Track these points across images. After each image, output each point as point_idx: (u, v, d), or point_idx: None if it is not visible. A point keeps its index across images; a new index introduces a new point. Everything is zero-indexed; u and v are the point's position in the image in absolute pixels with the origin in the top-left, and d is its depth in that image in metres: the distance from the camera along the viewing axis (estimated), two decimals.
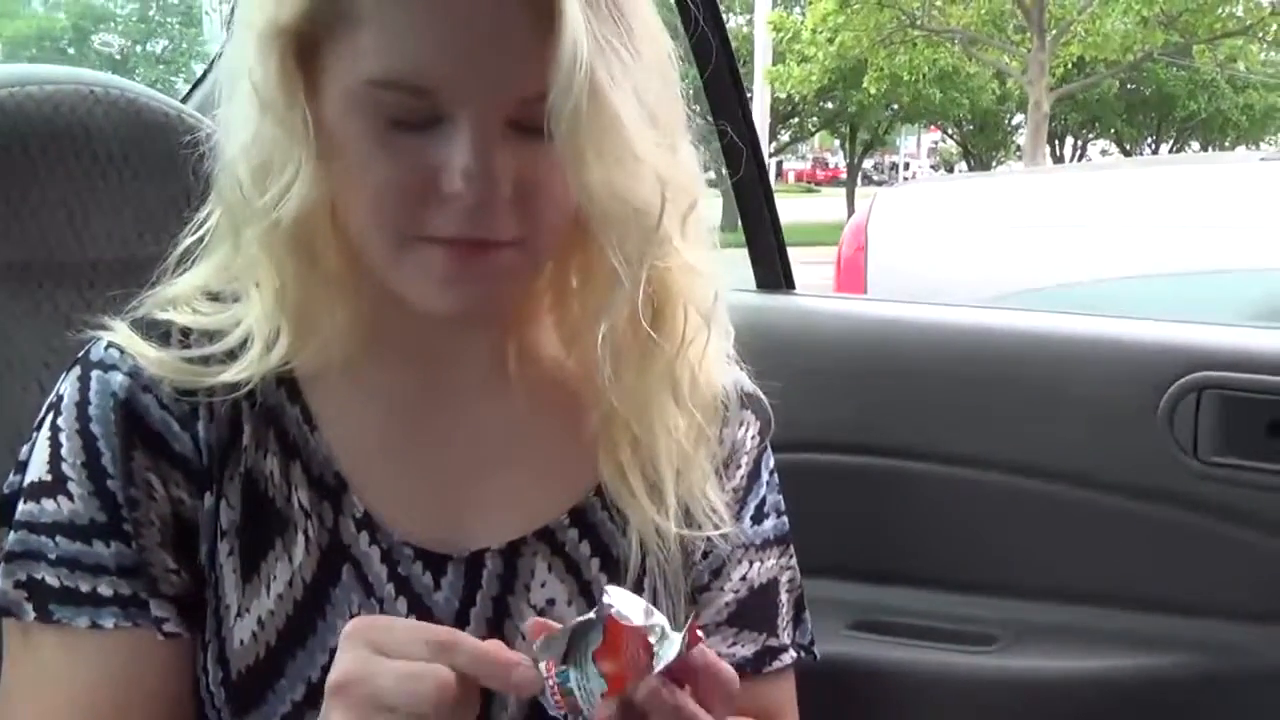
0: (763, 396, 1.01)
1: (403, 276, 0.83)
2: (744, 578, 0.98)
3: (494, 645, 0.72)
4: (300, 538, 0.86)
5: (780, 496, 1.02)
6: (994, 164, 23.82)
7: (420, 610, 0.88)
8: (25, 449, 0.87)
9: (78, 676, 0.83)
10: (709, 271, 0.89)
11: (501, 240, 0.81)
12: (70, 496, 0.84)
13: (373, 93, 0.78)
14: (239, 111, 0.82)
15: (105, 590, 0.83)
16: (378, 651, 0.70)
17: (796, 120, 23.60)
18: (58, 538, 0.83)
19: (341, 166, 0.81)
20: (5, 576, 0.84)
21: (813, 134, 26.62)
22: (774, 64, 17.15)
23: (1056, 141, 23.58)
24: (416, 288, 0.83)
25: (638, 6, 0.81)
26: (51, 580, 0.83)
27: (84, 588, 0.83)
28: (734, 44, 1.78)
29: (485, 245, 0.81)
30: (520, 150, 0.79)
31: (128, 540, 0.83)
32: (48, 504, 0.84)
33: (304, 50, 0.80)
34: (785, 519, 1.02)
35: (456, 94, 0.78)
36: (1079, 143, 25.66)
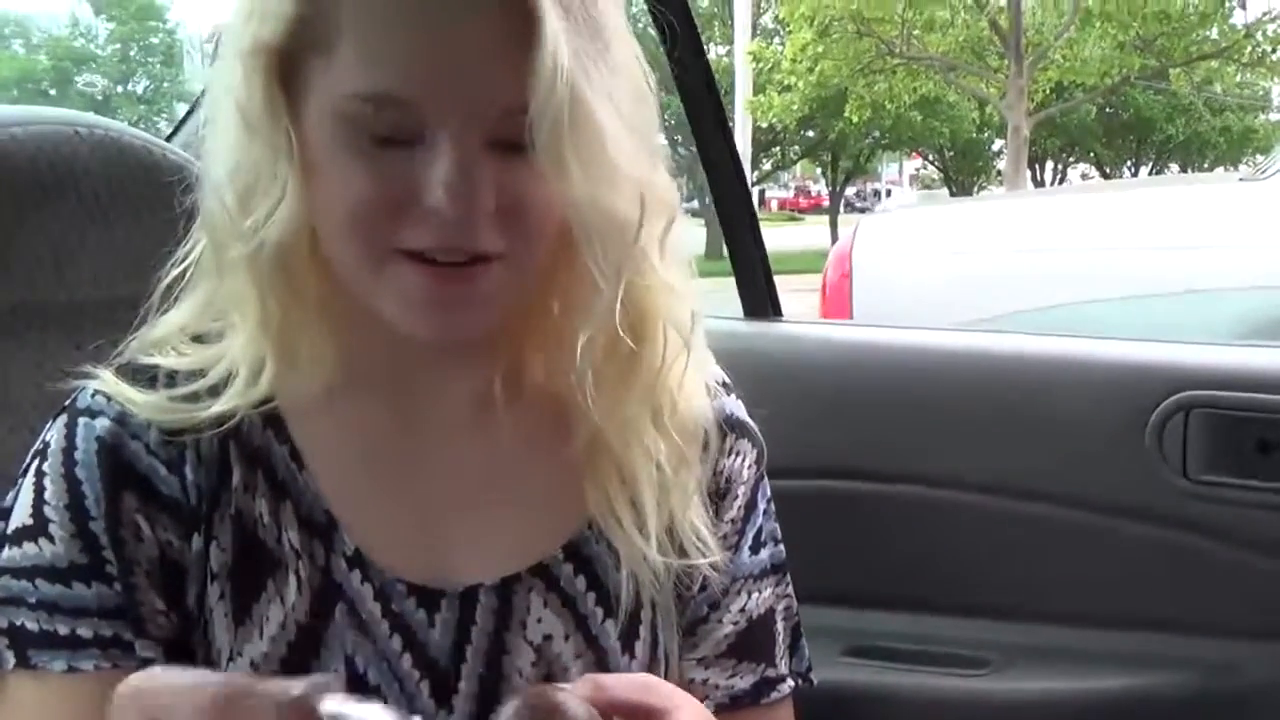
0: (754, 425, 1.01)
1: (383, 297, 0.82)
2: (743, 609, 0.97)
3: None
4: (292, 578, 0.85)
5: (775, 525, 1.02)
6: (975, 189, 23.92)
7: (414, 647, 0.87)
8: (10, 496, 0.86)
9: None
10: (686, 293, 0.89)
11: (487, 253, 0.80)
12: (51, 539, 0.83)
13: (354, 107, 0.78)
14: (224, 135, 0.82)
15: (85, 632, 0.82)
16: None
17: (778, 149, 23.69)
18: (37, 581, 0.83)
19: (322, 185, 0.81)
20: None
21: (795, 162, 26.71)
22: (755, 94, 17.23)
23: (1037, 166, 23.69)
24: (400, 310, 0.82)
25: (611, 20, 0.82)
26: (31, 625, 0.82)
27: (63, 630, 0.82)
28: (714, 75, 1.79)
29: (469, 263, 0.80)
30: (503, 164, 0.80)
31: (110, 582, 0.83)
32: (29, 548, 0.83)
33: (286, 70, 0.80)
34: (781, 547, 1.02)
35: (437, 108, 0.78)
36: (1059, 167, 25.79)
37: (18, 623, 0.82)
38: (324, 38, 0.78)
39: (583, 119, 0.77)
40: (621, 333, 0.84)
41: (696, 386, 0.93)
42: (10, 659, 0.82)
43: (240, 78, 0.80)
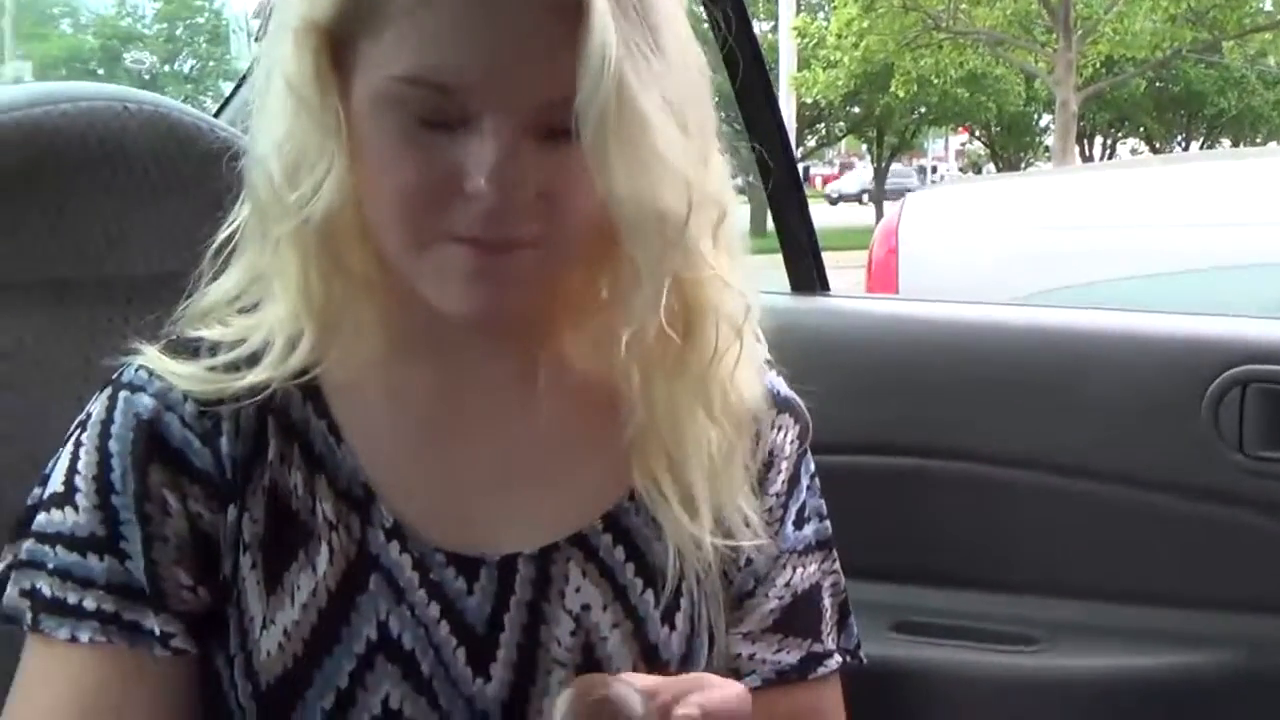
0: (799, 401, 1.01)
1: (425, 276, 0.83)
2: (787, 584, 0.97)
3: None
4: (324, 548, 0.86)
5: (821, 500, 1.01)
6: (1022, 165, 23.69)
7: (452, 615, 0.88)
8: (51, 463, 0.88)
9: (56, 686, 0.84)
10: (740, 284, 0.88)
11: (523, 240, 0.81)
12: (76, 508, 0.85)
13: (400, 90, 0.78)
14: (273, 108, 0.83)
15: (90, 604, 0.83)
16: None
17: (823, 125, 23.56)
18: (58, 548, 0.84)
19: (368, 165, 0.81)
20: (13, 584, 0.85)
21: (839, 139, 26.55)
22: (799, 70, 17.13)
23: (1085, 141, 23.44)
24: (438, 288, 0.83)
25: (668, 14, 0.81)
26: (45, 590, 0.84)
27: (71, 599, 0.83)
28: (761, 48, 1.77)
29: (506, 245, 0.81)
30: (545, 153, 0.79)
31: (121, 558, 0.84)
32: (55, 514, 0.85)
33: (336, 48, 0.81)
34: (827, 523, 1.01)
35: (483, 95, 0.78)
36: (1108, 142, 25.50)
37: (38, 585, 0.84)
38: (373, 20, 0.79)
39: (629, 113, 0.76)
40: (669, 327, 0.83)
41: (748, 376, 0.93)
42: (28, 619, 0.84)
43: (290, 55, 0.81)
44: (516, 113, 0.78)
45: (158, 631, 0.84)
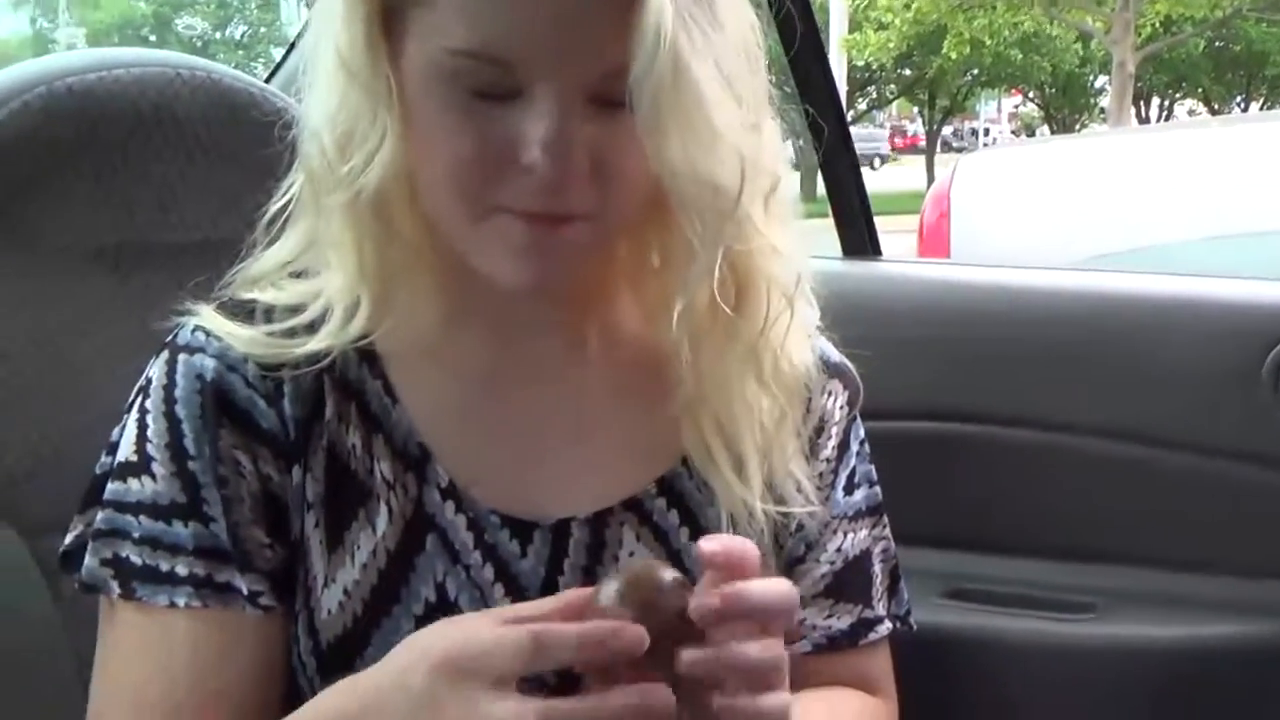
0: (850, 366, 1.00)
1: (478, 248, 0.83)
2: (839, 549, 0.97)
3: (585, 627, 0.71)
4: (383, 508, 0.87)
5: (871, 466, 1.01)
6: (1077, 127, 23.38)
7: (506, 577, 0.88)
8: (116, 431, 0.89)
9: (159, 652, 0.85)
10: (792, 252, 0.88)
11: (576, 213, 0.81)
12: (154, 477, 0.85)
13: (453, 62, 0.78)
14: (324, 80, 0.83)
15: (181, 570, 0.85)
16: (482, 685, 0.69)
17: (874, 88, 23.35)
18: (141, 517, 0.85)
19: (421, 136, 0.81)
20: (93, 554, 0.86)
21: (890, 101, 26.31)
22: (850, 32, 16.96)
23: (1142, 103, 23.08)
24: (491, 259, 0.83)
25: None
26: (135, 558, 0.85)
27: (164, 566, 0.85)
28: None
29: (560, 218, 0.81)
30: (598, 124, 0.79)
31: (206, 522, 0.85)
32: (133, 484, 0.86)
33: (387, 16, 0.80)
34: (877, 489, 1.01)
35: (537, 67, 0.78)
36: (1165, 103, 25.10)
37: (123, 554, 0.85)
38: None
39: (684, 85, 0.76)
40: (720, 297, 0.83)
41: (799, 343, 0.92)
42: (115, 587, 0.85)
43: (341, 25, 0.81)
44: (571, 84, 0.78)
45: (246, 591, 0.85)
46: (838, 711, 0.95)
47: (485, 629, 0.72)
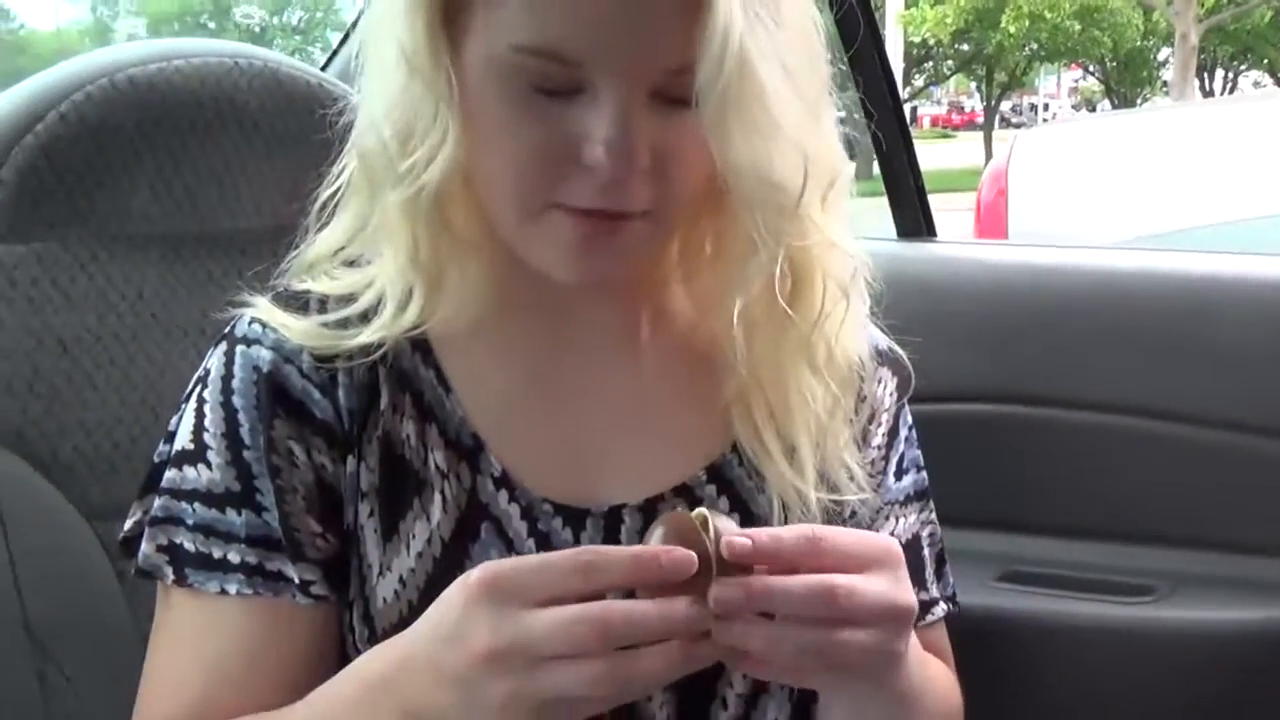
0: (900, 352, 1.00)
1: (533, 244, 0.84)
2: (891, 535, 0.97)
3: (635, 548, 0.72)
4: (438, 497, 0.88)
5: (919, 451, 1.01)
6: (1139, 101, 23.01)
7: None
8: (174, 420, 0.90)
9: (208, 638, 0.86)
10: (848, 244, 0.88)
11: (634, 211, 0.81)
12: (209, 465, 0.86)
13: (517, 58, 0.78)
14: (383, 72, 0.83)
15: (234, 558, 0.85)
16: (522, 605, 0.70)
17: (931, 64, 23.11)
18: (195, 505, 0.86)
19: (481, 132, 0.81)
20: (149, 540, 0.88)
21: (948, 78, 26.02)
22: (906, 8, 16.80)
23: (1205, 75, 22.67)
24: (546, 256, 0.84)
25: None
26: (188, 545, 0.86)
27: (216, 554, 0.86)
28: None
29: (618, 217, 0.81)
30: (659, 120, 0.79)
31: (259, 511, 0.86)
32: (189, 471, 0.87)
33: (449, 13, 0.80)
34: (924, 474, 1.01)
35: (602, 64, 0.77)
36: (1230, 75, 24.63)
37: (177, 541, 0.87)
38: None
39: (751, 84, 0.76)
40: (779, 293, 0.83)
41: (853, 332, 0.92)
42: (170, 574, 0.87)
43: (403, 20, 0.80)
44: (635, 81, 0.78)
45: (298, 580, 0.86)
46: (931, 660, 0.95)
47: (535, 555, 0.73)
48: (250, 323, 0.89)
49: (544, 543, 0.89)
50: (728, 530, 0.73)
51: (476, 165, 0.82)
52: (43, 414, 1.07)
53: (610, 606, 0.70)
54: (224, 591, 0.85)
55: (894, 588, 0.76)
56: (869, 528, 0.96)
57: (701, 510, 0.75)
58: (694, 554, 0.70)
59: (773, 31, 0.77)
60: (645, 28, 0.77)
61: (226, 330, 0.90)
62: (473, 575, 0.72)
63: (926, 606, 0.98)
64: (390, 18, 0.81)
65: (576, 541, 0.89)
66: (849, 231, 0.88)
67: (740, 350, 0.87)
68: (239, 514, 0.86)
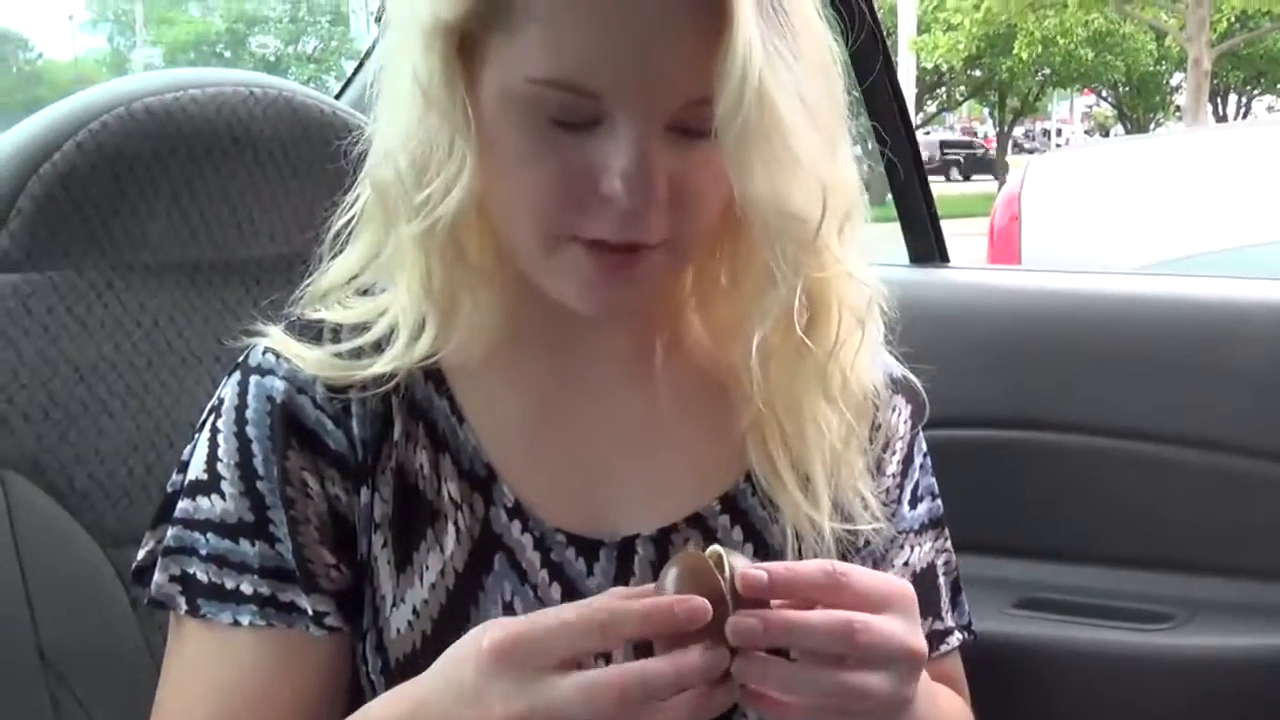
0: (914, 380, 0.99)
1: (550, 275, 0.84)
2: (906, 563, 0.97)
3: (648, 601, 0.71)
4: (451, 528, 0.87)
5: (933, 479, 1.01)
6: (1152, 126, 23.00)
7: (573, 596, 0.88)
8: (188, 449, 0.90)
9: (219, 669, 0.86)
10: (864, 273, 0.88)
11: (651, 242, 0.81)
12: (223, 495, 0.86)
13: (535, 91, 0.78)
14: (399, 105, 0.82)
15: (247, 588, 0.85)
16: (539, 668, 0.70)
17: (943, 90, 23.14)
18: (209, 535, 0.86)
19: (497, 164, 0.81)
20: (161, 570, 0.87)
21: (960, 103, 26.06)
22: (919, 34, 16.84)
23: (1219, 100, 22.66)
24: (563, 287, 0.83)
25: (801, 8, 0.80)
26: (201, 576, 0.86)
27: (229, 584, 0.85)
28: (879, 15, 1.75)
29: (635, 249, 0.81)
30: (677, 152, 0.79)
31: (272, 542, 0.85)
32: (203, 501, 0.87)
33: (465, 44, 0.80)
34: (939, 501, 1.01)
35: (621, 96, 0.77)
36: (1243, 100, 24.62)
37: (190, 571, 0.86)
38: (510, 18, 0.78)
39: (770, 116, 0.76)
40: (796, 324, 0.83)
41: (868, 361, 0.92)
42: (182, 604, 0.86)
43: (420, 53, 0.80)
44: (653, 112, 0.78)
45: (311, 611, 0.85)
46: (941, 692, 0.95)
47: (549, 613, 0.73)
48: (264, 353, 0.88)
49: (557, 573, 0.88)
50: (742, 566, 0.72)
51: (492, 197, 0.82)
52: (58, 441, 1.07)
53: (627, 670, 0.70)
54: (236, 622, 0.85)
55: (909, 631, 0.76)
56: (883, 556, 0.95)
57: (716, 548, 0.74)
58: (708, 602, 0.70)
59: (791, 64, 0.77)
60: (664, 60, 0.77)
61: (240, 360, 0.90)
62: (487, 637, 0.72)
63: (942, 636, 0.98)
64: (406, 48, 0.81)
65: (589, 572, 0.89)
66: (864, 260, 0.88)
67: (756, 380, 0.86)
68: (252, 545, 0.85)
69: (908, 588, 0.78)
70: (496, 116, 0.80)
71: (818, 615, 0.73)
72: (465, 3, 0.78)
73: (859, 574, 0.75)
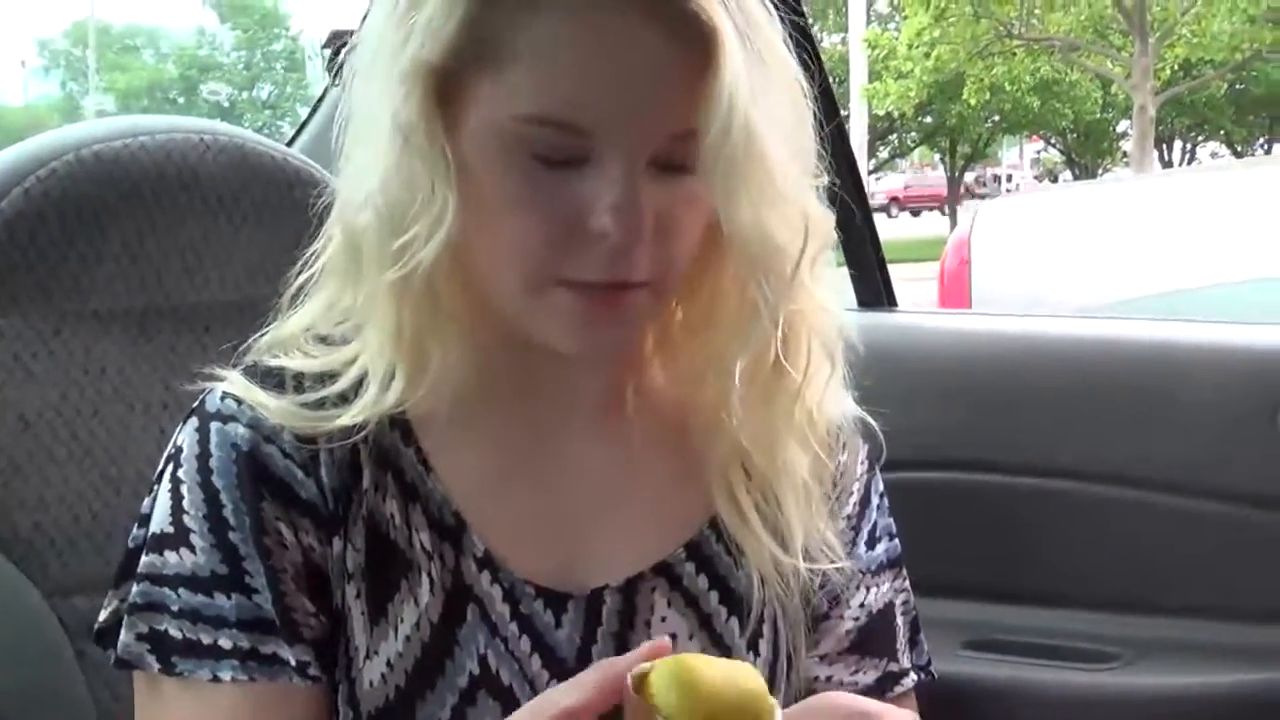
0: (871, 421, 1.00)
1: (534, 319, 0.82)
2: (862, 604, 0.97)
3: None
4: (424, 579, 0.86)
5: (890, 519, 1.01)
6: (1100, 171, 23.34)
7: (543, 649, 0.87)
8: (147, 501, 0.87)
9: None
10: (834, 309, 0.88)
11: (637, 281, 0.80)
12: (192, 549, 0.83)
13: (521, 129, 0.77)
14: (375, 152, 0.80)
15: (225, 643, 0.82)
16: None
17: (895, 136, 23.40)
18: (180, 590, 0.83)
19: (480, 206, 0.79)
20: (128, 629, 0.84)
21: (912, 149, 26.35)
22: (870, 81, 17.04)
23: (1164, 146, 23.04)
24: (549, 329, 0.82)
25: (773, 41, 0.81)
26: (174, 632, 0.83)
27: (205, 640, 0.82)
28: (830, 64, 1.77)
29: (623, 287, 0.80)
30: (659, 187, 0.79)
31: (249, 594, 0.83)
32: (170, 556, 0.84)
33: (444, 85, 0.78)
34: (896, 542, 1.01)
35: (608, 132, 0.77)
36: (1188, 146, 25.05)
37: (161, 628, 0.83)
38: (495, 58, 0.77)
39: (755, 150, 0.76)
40: (772, 357, 0.84)
41: (834, 397, 0.92)
42: (153, 663, 0.83)
43: (399, 97, 0.78)
44: (640, 147, 0.78)
45: (294, 662, 0.83)
46: None
47: None
48: (223, 398, 0.86)
49: (526, 626, 0.87)
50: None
51: (471, 242, 0.80)
52: (2, 489, 1.05)
53: None
54: (216, 678, 0.82)
55: None
56: (841, 598, 0.95)
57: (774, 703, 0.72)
58: None
59: (769, 95, 0.78)
60: (652, 95, 0.77)
61: (196, 406, 0.87)
62: None
63: (897, 677, 0.98)
64: (382, 93, 0.79)
65: (558, 624, 0.88)
66: (834, 297, 0.89)
67: (736, 414, 0.86)
68: (228, 598, 0.82)
69: None
70: (478, 158, 0.79)
71: None
72: (449, 43, 0.77)
73: None
